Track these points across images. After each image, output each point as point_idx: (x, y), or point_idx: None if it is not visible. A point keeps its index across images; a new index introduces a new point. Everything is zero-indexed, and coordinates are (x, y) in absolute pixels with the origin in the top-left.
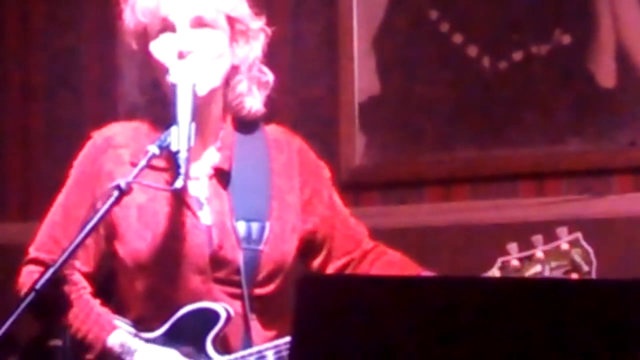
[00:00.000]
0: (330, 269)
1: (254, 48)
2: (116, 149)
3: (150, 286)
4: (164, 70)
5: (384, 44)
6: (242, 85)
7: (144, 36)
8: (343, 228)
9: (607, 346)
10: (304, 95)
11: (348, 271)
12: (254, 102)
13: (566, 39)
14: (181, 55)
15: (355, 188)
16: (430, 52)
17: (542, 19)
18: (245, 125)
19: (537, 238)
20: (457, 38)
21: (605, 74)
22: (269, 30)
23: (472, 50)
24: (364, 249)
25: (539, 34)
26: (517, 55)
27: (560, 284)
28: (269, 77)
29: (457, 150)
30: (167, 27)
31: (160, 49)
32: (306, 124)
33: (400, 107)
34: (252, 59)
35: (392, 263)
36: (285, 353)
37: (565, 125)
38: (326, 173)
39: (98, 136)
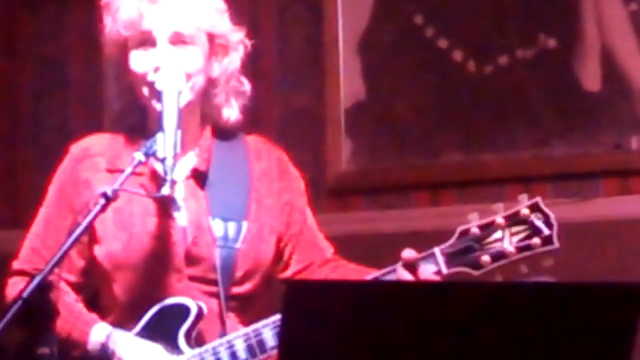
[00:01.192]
0: (288, 272)
1: (233, 60)
2: (92, 158)
3: (127, 287)
4: (141, 82)
5: (369, 49)
6: (220, 96)
7: (124, 46)
8: (309, 236)
9: (590, 351)
10: (290, 101)
11: (305, 275)
12: (231, 112)
13: (551, 43)
14: (158, 71)
15: (341, 193)
16: (416, 57)
17: (527, 23)
18: (225, 133)
19: (498, 206)
20: (443, 43)
21: (591, 78)
22: (248, 42)
23: (458, 55)
24: (326, 257)
25: (524, 38)
26: (503, 60)
27: (548, 288)
28: (246, 87)
29: (444, 155)
30: (146, 40)
31: (138, 61)
32: (292, 130)
33: (386, 113)
34: (230, 71)
35: (353, 271)
36: (253, 340)
37: (551, 129)
38: (301, 184)
39: (75, 147)
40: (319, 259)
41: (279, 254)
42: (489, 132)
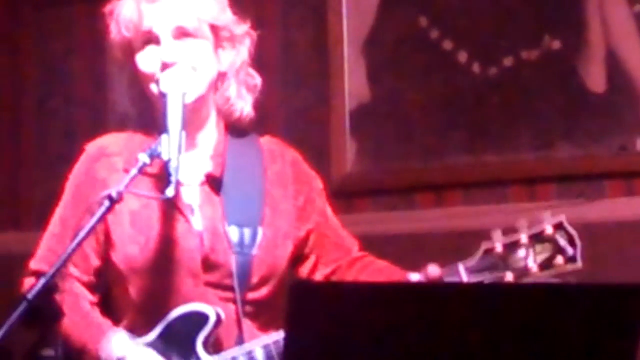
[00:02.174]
0: (318, 276)
1: (241, 53)
2: (110, 158)
3: (143, 291)
4: (150, 82)
5: (374, 50)
6: (231, 89)
7: (130, 49)
8: (334, 237)
9: (593, 352)
10: (294, 102)
11: (335, 277)
12: (244, 106)
13: (556, 45)
14: (165, 67)
15: (346, 195)
16: (421, 59)
17: (532, 24)
18: (239, 134)
19: (522, 223)
20: (447, 45)
21: (596, 79)
22: (254, 34)
23: (462, 57)
24: (352, 257)
25: (529, 40)
26: (508, 61)
27: (553, 288)
28: (257, 80)
29: (448, 156)
30: (151, 39)
31: (146, 61)
32: (297, 131)
33: (390, 114)
34: (239, 64)
35: (381, 270)
36: (274, 352)
37: (556, 131)
38: (319, 184)
39: (91, 147)
40: (345, 260)
41: (304, 259)
42: (494, 134)
